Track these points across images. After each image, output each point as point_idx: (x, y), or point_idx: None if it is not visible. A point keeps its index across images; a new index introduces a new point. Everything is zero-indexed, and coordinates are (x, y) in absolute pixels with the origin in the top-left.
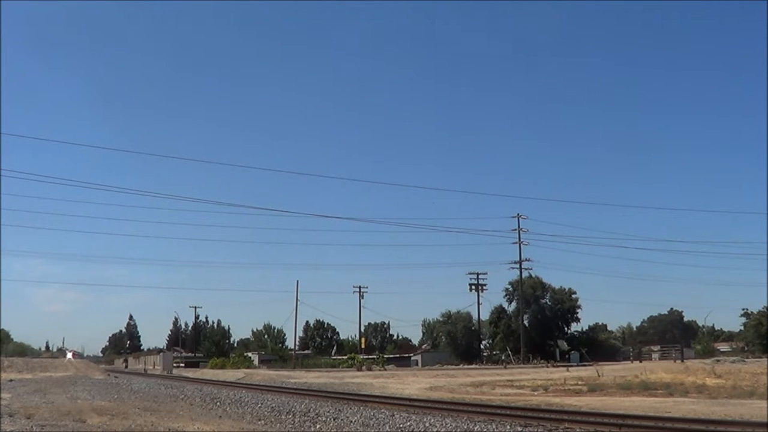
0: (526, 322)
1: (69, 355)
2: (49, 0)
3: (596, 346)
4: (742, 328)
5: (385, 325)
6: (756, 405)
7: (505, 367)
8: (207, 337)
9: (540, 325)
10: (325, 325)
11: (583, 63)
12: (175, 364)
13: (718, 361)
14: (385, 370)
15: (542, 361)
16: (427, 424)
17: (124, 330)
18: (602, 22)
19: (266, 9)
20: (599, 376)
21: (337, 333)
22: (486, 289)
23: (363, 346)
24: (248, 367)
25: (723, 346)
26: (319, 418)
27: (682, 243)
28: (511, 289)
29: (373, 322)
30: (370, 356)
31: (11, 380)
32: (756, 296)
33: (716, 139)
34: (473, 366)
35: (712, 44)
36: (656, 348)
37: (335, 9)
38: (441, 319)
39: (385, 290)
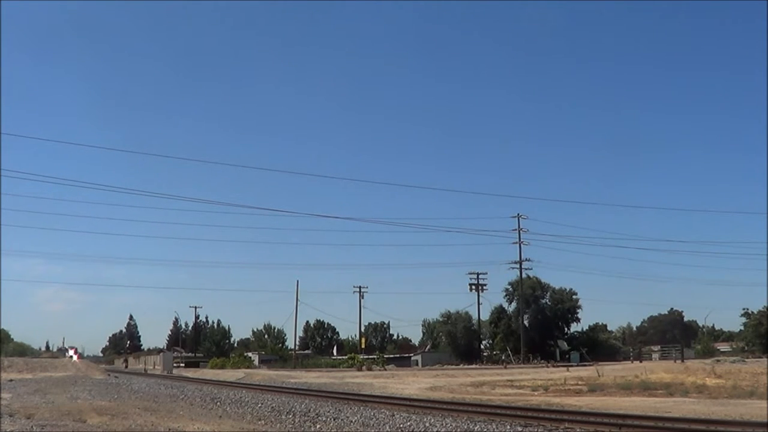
0: (526, 322)
1: (71, 353)
2: (49, 0)
3: (596, 346)
4: (742, 328)
5: (385, 325)
6: (756, 405)
7: (505, 367)
8: (207, 337)
9: (540, 325)
10: (325, 325)
11: (583, 63)
12: (175, 364)
13: (718, 361)
14: (385, 370)
15: (542, 361)
16: (427, 424)
17: (124, 330)
18: (602, 22)
19: (266, 9)
20: (599, 376)
21: (337, 333)
22: (486, 289)
23: (363, 346)
24: (248, 367)
25: (723, 346)
26: (320, 418)
27: (682, 243)
28: (511, 289)
29: (373, 322)
30: (370, 356)
31: (11, 380)
32: (756, 296)
33: (716, 139)
34: (473, 366)
35: (712, 44)
36: (656, 348)
37: (335, 9)
38: (441, 319)
39: (385, 290)
